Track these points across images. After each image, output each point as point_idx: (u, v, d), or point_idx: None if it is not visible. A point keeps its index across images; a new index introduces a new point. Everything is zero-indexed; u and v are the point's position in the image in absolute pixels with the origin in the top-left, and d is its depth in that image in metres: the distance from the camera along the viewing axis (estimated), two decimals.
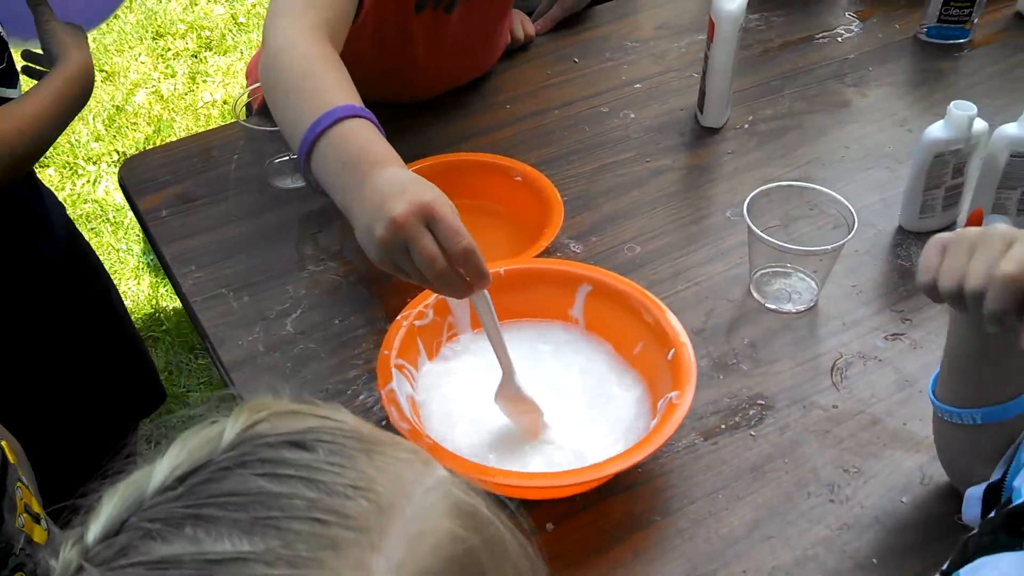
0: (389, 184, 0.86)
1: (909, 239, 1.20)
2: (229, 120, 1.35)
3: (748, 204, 1.08)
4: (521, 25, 1.52)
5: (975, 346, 0.82)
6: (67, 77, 1.20)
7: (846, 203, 1.08)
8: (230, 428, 0.45)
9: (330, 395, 1.02)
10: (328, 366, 1.05)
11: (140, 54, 3.09)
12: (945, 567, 0.69)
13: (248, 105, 1.30)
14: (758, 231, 1.06)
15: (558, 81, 1.48)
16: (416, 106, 1.41)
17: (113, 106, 2.85)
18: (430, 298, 1.00)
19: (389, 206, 0.82)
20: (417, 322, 0.98)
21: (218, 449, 0.44)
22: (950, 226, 1.21)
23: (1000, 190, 1.16)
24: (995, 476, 0.84)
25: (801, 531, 0.90)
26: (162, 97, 2.94)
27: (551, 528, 0.90)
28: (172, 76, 3.03)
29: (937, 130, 1.13)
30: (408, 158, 1.21)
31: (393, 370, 0.93)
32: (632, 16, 1.62)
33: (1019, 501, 0.70)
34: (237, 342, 1.09)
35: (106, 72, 2.97)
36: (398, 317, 0.98)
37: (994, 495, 0.83)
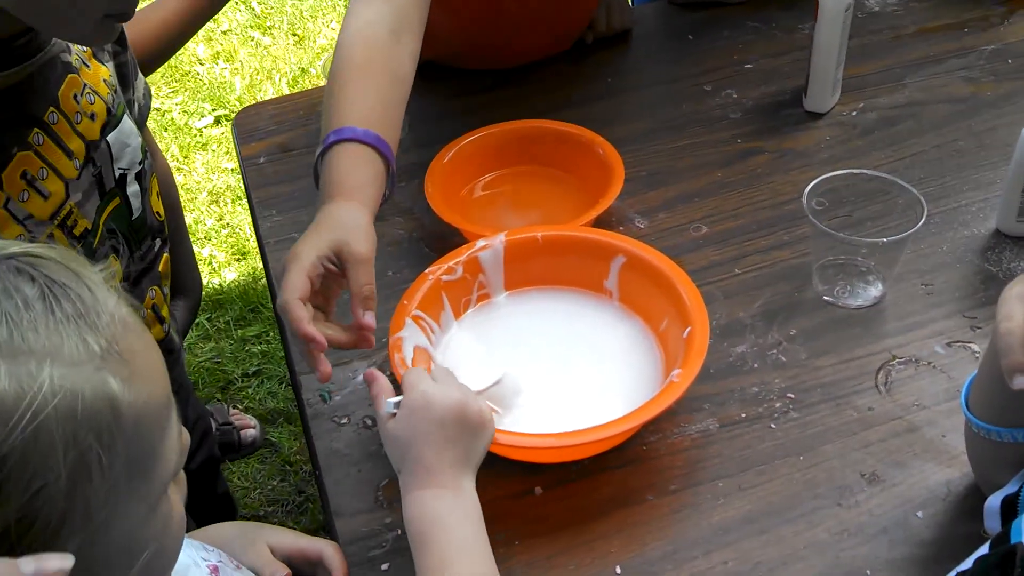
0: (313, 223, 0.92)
1: (1003, 243, 1.10)
2: None
3: (809, 191, 1.03)
4: (616, 15, 1.47)
5: None
6: None
7: (917, 194, 1.01)
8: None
9: None
10: None
11: (332, 20, 3.24)
12: None
13: None
14: (814, 219, 1.00)
15: (666, 57, 1.45)
16: (520, 75, 1.42)
17: (299, 68, 3.01)
18: (461, 255, 1.01)
19: None
20: (444, 277, 1.00)
21: None
22: None
23: None
24: (1012, 488, 0.77)
25: (797, 531, 0.86)
26: None
27: (539, 492, 0.90)
28: None
29: None
30: (497, 121, 1.24)
31: (408, 320, 0.95)
32: None
33: (1016, 541, 0.65)
34: None
35: (297, 36, 3.15)
36: (425, 271, 1.00)
37: (1011, 508, 0.77)
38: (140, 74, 1.16)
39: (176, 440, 0.59)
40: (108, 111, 1.01)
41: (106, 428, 0.51)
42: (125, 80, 1.10)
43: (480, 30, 1.36)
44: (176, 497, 0.61)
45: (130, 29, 1.23)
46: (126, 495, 0.54)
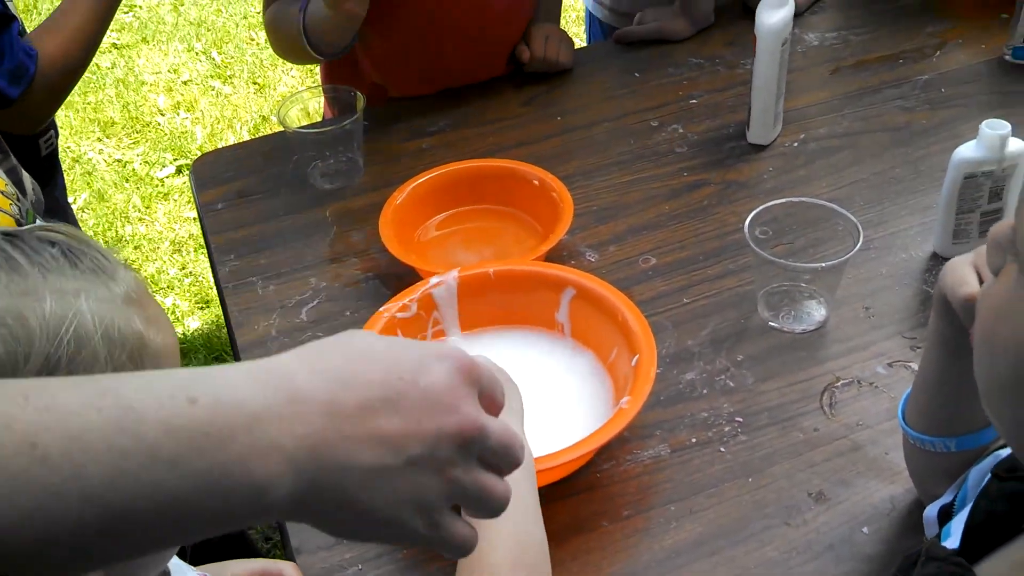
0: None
1: (940, 265, 1.13)
2: None
3: (751, 221, 1.06)
4: (555, 43, 1.52)
5: (952, 374, 0.78)
6: None
7: (854, 220, 1.04)
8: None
9: None
10: None
11: (292, 68, 3.28)
12: None
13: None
14: (756, 247, 1.04)
15: (616, 95, 1.49)
16: (470, 116, 1.45)
17: (260, 116, 3.04)
18: (415, 292, 1.03)
19: None
20: (399, 314, 1.02)
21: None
22: None
23: None
24: (947, 498, 0.80)
25: (747, 551, 0.88)
26: (307, 114, 3.10)
27: None
28: (319, 95, 3.19)
29: (968, 150, 1.08)
30: (455, 159, 1.28)
31: None
32: (705, 32, 1.60)
33: (944, 542, 0.68)
34: (254, 326, 1.16)
35: (258, 84, 3.18)
36: (380, 308, 1.02)
37: (947, 518, 0.80)
38: (24, 172, 1.10)
39: None
40: (17, 222, 0.95)
41: (136, 353, 0.59)
42: (20, 185, 1.05)
43: (414, 47, 1.46)
44: None
45: (52, 40, 1.25)
46: None
